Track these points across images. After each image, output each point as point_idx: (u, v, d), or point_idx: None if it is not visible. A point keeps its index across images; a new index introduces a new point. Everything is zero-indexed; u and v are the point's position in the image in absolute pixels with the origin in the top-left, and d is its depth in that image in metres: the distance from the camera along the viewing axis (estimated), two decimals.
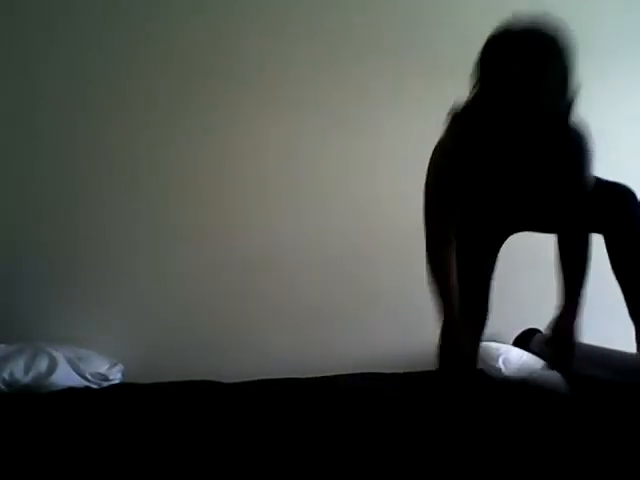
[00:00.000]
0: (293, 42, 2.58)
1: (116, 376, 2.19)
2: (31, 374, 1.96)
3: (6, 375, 1.92)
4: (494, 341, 2.49)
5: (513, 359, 2.23)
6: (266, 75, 2.56)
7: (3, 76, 2.37)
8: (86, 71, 2.43)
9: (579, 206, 1.51)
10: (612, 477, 1.42)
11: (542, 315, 2.58)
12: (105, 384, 2.12)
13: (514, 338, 2.57)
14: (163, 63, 2.49)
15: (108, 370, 2.17)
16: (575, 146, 1.41)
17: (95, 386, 2.09)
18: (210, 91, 2.51)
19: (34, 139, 2.40)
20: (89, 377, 2.09)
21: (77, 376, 2.07)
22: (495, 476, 1.52)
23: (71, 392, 1.98)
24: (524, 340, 2.52)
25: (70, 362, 2.08)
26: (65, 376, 2.03)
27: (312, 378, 2.23)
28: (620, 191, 1.54)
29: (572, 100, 1.30)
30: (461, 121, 1.41)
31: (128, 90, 2.46)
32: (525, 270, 2.60)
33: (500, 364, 2.20)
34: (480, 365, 2.35)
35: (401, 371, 2.36)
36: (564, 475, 1.50)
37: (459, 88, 2.38)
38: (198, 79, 2.51)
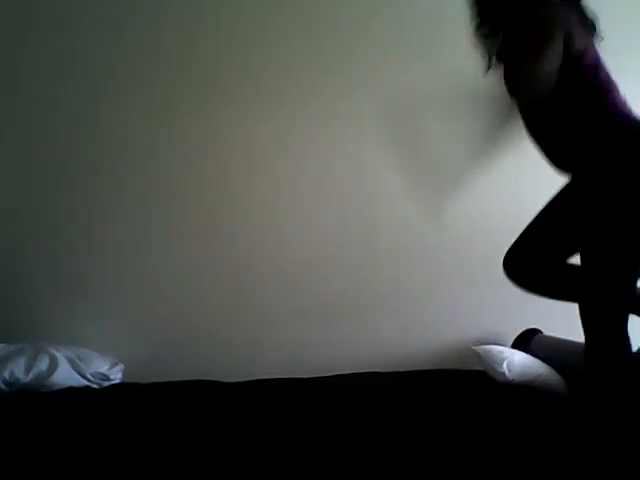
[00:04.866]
0: (302, 49, 2.57)
1: (116, 376, 2.19)
2: (32, 374, 1.95)
3: (7, 375, 1.91)
4: (496, 343, 2.48)
5: (517, 363, 2.23)
6: (273, 77, 2.54)
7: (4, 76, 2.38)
8: (93, 74, 2.43)
9: None
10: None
11: (542, 315, 2.60)
12: (105, 384, 2.12)
13: (514, 338, 2.57)
14: (168, 65, 2.47)
15: (108, 370, 2.17)
16: None
17: (95, 386, 2.10)
18: (216, 93, 2.50)
19: (38, 138, 2.40)
20: (90, 377, 2.09)
21: (78, 376, 2.07)
22: (496, 476, 1.52)
23: (71, 392, 1.99)
24: (524, 340, 2.52)
25: (71, 362, 2.08)
26: (66, 376, 2.03)
27: (312, 378, 2.23)
28: None
29: None
30: None
31: (136, 92, 2.45)
32: None
33: (504, 368, 2.19)
34: (483, 368, 2.35)
35: (402, 370, 2.37)
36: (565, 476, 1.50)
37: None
38: (205, 81, 2.50)
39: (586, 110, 1.51)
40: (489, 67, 1.76)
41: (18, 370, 1.94)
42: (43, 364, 2.00)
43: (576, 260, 1.65)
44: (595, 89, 1.53)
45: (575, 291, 1.60)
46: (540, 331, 2.57)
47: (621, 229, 1.51)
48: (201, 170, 2.51)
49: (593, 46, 1.56)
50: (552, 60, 1.48)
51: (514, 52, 1.59)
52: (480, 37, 1.72)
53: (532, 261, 1.64)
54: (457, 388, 2.15)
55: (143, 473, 1.45)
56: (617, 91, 1.57)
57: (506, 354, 2.28)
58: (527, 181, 2.63)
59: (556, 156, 1.67)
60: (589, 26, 1.57)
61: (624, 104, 1.57)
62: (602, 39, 1.59)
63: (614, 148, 1.52)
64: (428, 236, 2.65)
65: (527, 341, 2.51)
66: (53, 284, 2.40)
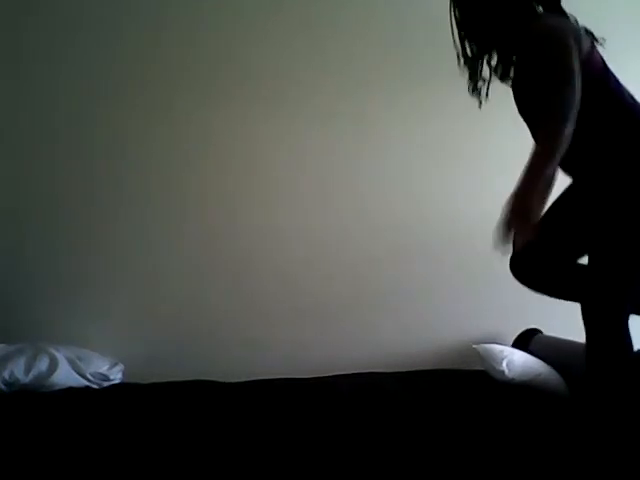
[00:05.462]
0: (302, 49, 2.59)
1: (116, 376, 2.19)
2: (32, 374, 1.95)
3: (7, 375, 1.91)
4: (496, 343, 2.48)
5: (517, 362, 2.23)
6: (273, 77, 2.55)
7: (6, 77, 2.38)
8: (93, 74, 2.43)
9: None
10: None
11: (542, 315, 2.60)
12: (105, 384, 2.12)
13: (514, 338, 2.57)
14: (168, 65, 2.48)
15: (108, 370, 2.17)
16: None
17: (95, 386, 2.09)
18: (216, 93, 2.51)
19: (38, 137, 2.40)
20: (89, 377, 2.09)
21: (77, 376, 2.07)
22: (496, 476, 1.52)
23: (71, 392, 1.99)
24: (524, 340, 2.52)
25: (70, 362, 2.07)
26: (65, 376, 2.03)
27: (313, 378, 2.23)
28: None
29: None
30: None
31: (135, 92, 2.46)
32: None
33: (504, 367, 2.19)
34: (483, 367, 2.35)
35: (402, 370, 2.37)
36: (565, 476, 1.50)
37: (456, 93, 2.38)
38: (205, 81, 2.51)
39: (601, 112, 1.47)
40: (481, 83, 1.71)
41: (18, 370, 1.94)
42: (43, 364, 1.99)
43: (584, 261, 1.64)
44: (607, 91, 1.50)
45: (581, 291, 1.59)
46: (540, 331, 2.57)
47: (632, 227, 1.49)
48: (201, 170, 2.52)
49: (596, 49, 1.54)
50: (577, 86, 1.39)
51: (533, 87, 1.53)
52: (468, 57, 1.66)
53: (539, 261, 1.63)
54: (457, 388, 2.14)
55: (143, 473, 1.45)
56: (627, 93, 1.55)
57: (506, 353, 2.28)
58: None
59: (565, 158, 1.62)
60: (586, 31, 1.55)
61: (636, 104, 1.54)
62: (602, 42, 1.56)
63: (630, 146, 1.49)
64: (428, 236, 2.65)
65: (527, 341, 2.51)
66: (53, 284, 2.40)
